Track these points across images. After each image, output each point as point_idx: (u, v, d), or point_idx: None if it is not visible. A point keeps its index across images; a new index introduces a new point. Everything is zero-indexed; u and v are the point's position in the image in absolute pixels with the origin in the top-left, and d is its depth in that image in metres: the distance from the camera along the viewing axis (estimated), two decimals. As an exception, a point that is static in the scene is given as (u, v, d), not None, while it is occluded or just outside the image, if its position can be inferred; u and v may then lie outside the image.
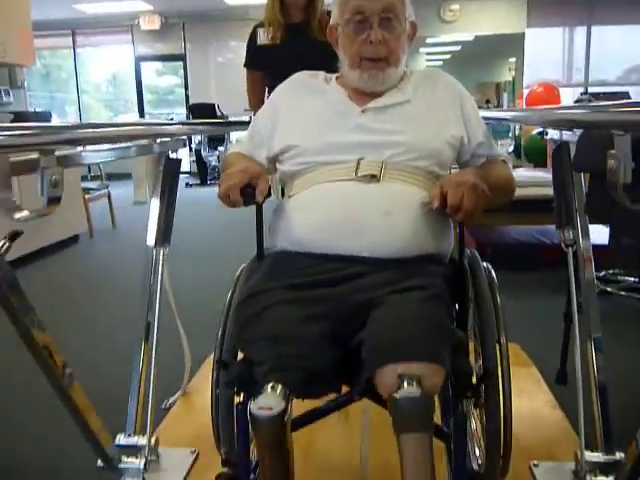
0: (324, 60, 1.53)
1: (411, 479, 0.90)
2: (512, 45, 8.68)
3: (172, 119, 8.46)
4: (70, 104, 10.31)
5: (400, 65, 1.26)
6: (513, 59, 8.90)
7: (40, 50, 8.05)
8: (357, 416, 1.65)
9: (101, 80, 10.74)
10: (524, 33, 8.49)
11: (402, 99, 1.26)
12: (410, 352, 0.92)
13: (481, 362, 1.09)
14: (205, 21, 9.16)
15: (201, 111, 7.76)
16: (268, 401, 0.88)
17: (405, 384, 0.89)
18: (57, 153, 1.00)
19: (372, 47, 1.21)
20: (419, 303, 1.00)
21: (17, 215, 0.92)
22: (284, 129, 1.28)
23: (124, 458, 1.40)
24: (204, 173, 8.41)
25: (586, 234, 1.43)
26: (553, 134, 1.55)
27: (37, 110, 6.34)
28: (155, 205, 1.58)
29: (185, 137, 1.69)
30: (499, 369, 1.06)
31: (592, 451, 1.32)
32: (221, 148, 8.13)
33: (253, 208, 1.23)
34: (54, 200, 0.97)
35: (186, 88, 9.62)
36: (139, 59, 9.71)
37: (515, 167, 3.92)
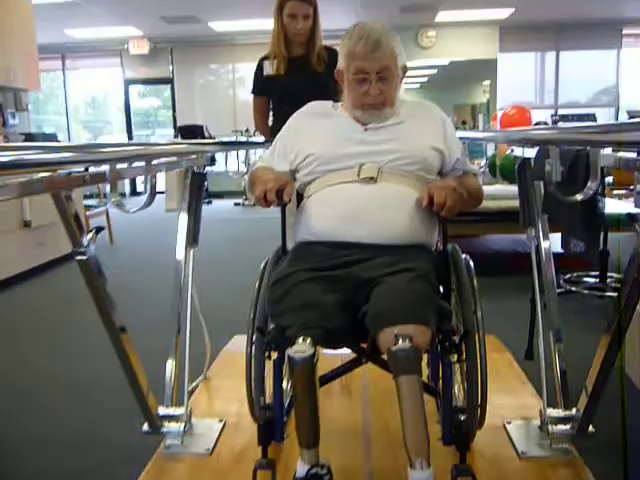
0: (321, 89, 1.83)
1: (406, 411, 1.18)
2: (486, 69, 9.08)
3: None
4: (49, 126, 10.27)
5: (395, 102, 1.56)
6: (487, 82, 9.28)
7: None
8: (358, 390, 1.95)
9: (80, 102, 10.76)
10: (496, 58, 8.96)
11: (397, 120, 1.57)
12: (403, 317, 1.20)
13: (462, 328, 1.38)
14: (193, 46, 9.53)
15: (190, 133, 7.99)
16: (300, 347, 1.17)
17: (400, 341, 1.17)
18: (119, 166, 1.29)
19: (371, 98, 1.51)
20: (410, 281, 1.29)
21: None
22: (304, 143, 1.58)
23: (166, 424, 1.66)
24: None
25: (545, 233, 1.72)
26: (517, 151, 1.89)
27: (45, 132, 6.55)
28: (184, 212, 1.86)
29: (210, 155, 1.97)
30: (476, 335, 1.35)
31: (554, 408, 1.62)
32: (209, 168, 8.35)
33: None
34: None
35: (174, 110, 9.90)
36: (128, 82, 10.01)
37: (492, 184, 4.27)
